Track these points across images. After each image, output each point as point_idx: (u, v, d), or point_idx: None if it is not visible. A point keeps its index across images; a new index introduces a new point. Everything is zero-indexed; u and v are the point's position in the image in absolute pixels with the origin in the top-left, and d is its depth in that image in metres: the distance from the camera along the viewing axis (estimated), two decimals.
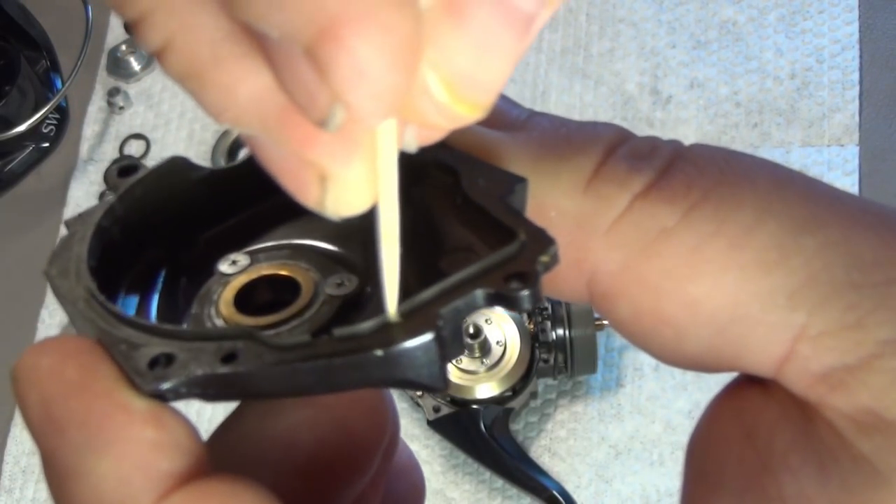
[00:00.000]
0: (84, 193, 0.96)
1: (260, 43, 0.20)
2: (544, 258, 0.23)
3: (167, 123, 0.98)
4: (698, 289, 0.24)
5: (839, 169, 0.85)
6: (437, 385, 0.23)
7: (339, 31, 0.18)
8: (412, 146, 0.22)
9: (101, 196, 0.94)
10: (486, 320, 0.76)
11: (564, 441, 0.80)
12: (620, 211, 0.25)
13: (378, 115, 0.19)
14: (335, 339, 0.23)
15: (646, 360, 0.82)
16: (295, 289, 0.28)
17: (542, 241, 0.24)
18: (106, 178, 0.28)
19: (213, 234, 0.30)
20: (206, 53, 0.20)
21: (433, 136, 0.23)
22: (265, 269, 0.29)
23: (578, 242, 0.25)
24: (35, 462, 0.85)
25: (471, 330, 0.75)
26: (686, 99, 0.91)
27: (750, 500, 0.25)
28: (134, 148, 0.97)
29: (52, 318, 0.91)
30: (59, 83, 0.98)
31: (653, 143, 0.26)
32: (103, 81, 1.01)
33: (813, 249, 0.23)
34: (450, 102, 0.20)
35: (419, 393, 0.77)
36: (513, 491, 0.78)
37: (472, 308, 0.23)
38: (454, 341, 0.23)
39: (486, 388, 0.75)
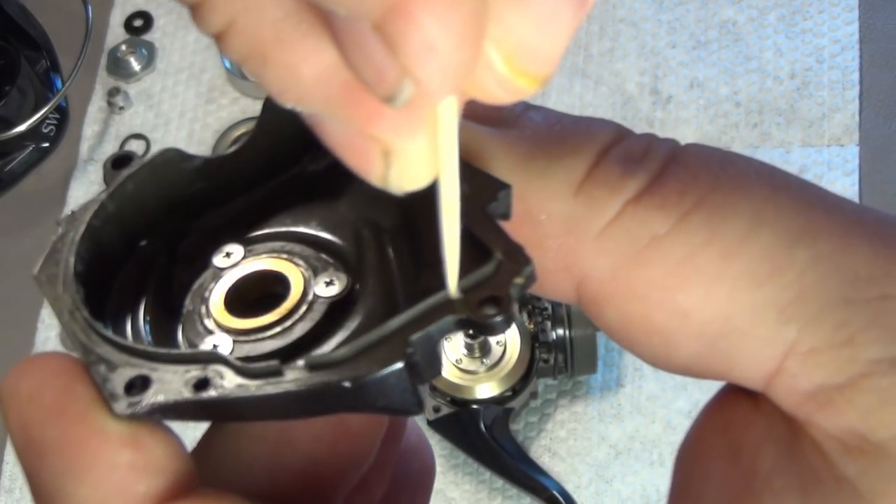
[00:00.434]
0: (84, 193, 0.96)
1: (325, 21, 0.20)
2: (519, 280, 0.23)
3: (167, 123, 0.98)
4: (688, 299, 0.24)
5: (839, 169, 0.85)
6: (413, 410, 0.24)
7: (408, 7, 0.18)
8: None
9: None
10: None
11: (564, 441, 0.80)
12: (611, 216, 0.25)
13: (446, 90, 0.20)
14: (307, 365, 0.23)
15: None
16: (285, 284, 0.28)
17: (518, 260, 0.23)
18: (104, 173, 0.28)
19: (208, 222, 0.30)
20: (269, 33, 0.20)
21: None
22: (256, 265, 0.29)
23: (568, 247, 0.25)
24: None
25: (471, 331, 0.74)
26: (686, 99, 0.91)
27: None
28: (134, 148, 0.97)
29: (52, 319, 0.91)
30: (59, 83, 0.98)
31: (647, 144, 0.26)
32: (103, 81, 1.01)
33: (806, 262, 0.23)
34: (510, 76, 0.20)
35: None
36: (513, 491, 0.78)
37: (445, 333, 0.23)
38: (429, 366, 0.23)
39: (486, 388, 0.75)
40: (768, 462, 0.24)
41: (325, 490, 0.27)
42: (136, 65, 1.00)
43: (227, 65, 0.98)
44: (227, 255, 0.29)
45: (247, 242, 0.29)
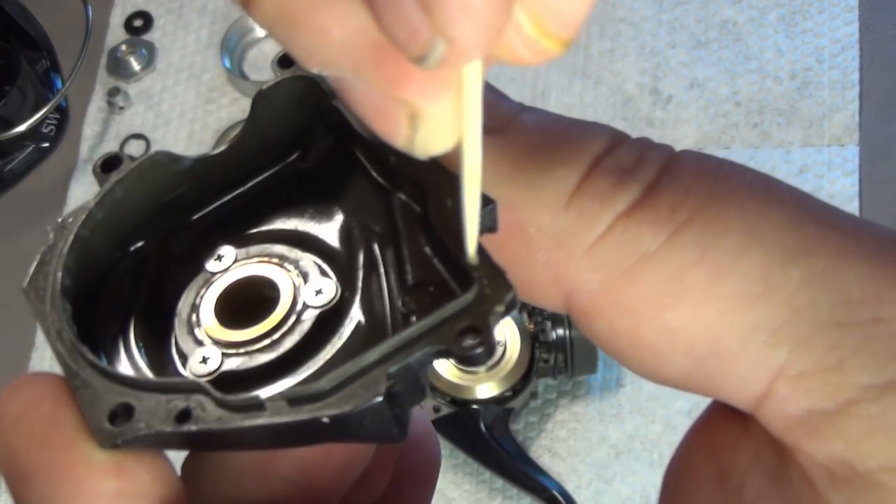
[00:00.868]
0: (84, 193, 0.96)
1: None
2: (499, 308, 0.23)
3: (167, 123, 0.98)
4: (677, 318, 0.23)
5: (839, 169, 0.85)
6: (393, 440, 0.24)
7: None
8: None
9: None
10: None
11: (564, 441, 0.80)
12: (602, 230, 0.24)
13: (478, 49, 0.20)
14: (286, 398, 0.23)
15: None
16: (275, 290, 0.28)
17: (499, 287, 0.23)
18: (95, 176, 0.28)
19: (200, 222, 0.30)
20: None
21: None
22: (247, 271, 0.29)
23: (557, 260, 0.25)
24: None
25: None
26: (686, 99, 0.91)
27: None
28: (134, 148, 0.97)
29: None
30: (59, 83, 0.98)
31: (640, 153, 0.25)
32: (103, 81, 1.01)
33: (798, 282, 0.23)
34: (537, 37, 0.21)
35: None
36: (513, 491, 0.78)
37: (425, 364, 0.23)
38: (411, 395, 0.23)
39: (486, 388, 0.75)
40: (755, 489, 0.24)
41: (321, 494, 0.27)
42: (136, 65, 1.00)
43: (227, 65, 0.98)
44: (219, 258, 0.29)
45: (239, 243, 0.29)
